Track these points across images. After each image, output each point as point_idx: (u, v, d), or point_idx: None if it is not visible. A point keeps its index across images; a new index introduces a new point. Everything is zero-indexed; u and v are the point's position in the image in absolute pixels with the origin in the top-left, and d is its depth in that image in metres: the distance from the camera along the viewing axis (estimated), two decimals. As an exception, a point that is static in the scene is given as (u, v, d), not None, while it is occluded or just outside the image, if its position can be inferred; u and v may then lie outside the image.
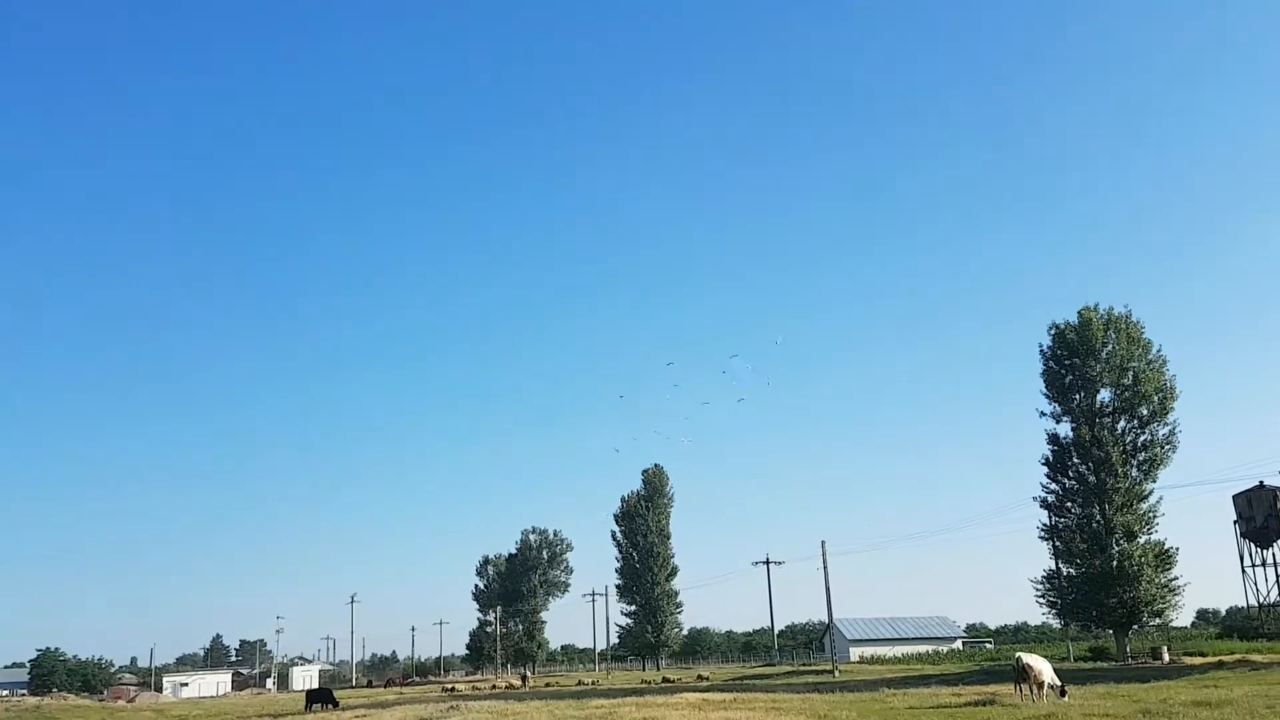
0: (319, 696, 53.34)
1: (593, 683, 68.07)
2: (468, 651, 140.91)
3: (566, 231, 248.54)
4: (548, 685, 67.07)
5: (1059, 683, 28.24)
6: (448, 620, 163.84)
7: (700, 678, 65.53)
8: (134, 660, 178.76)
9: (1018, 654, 31.37)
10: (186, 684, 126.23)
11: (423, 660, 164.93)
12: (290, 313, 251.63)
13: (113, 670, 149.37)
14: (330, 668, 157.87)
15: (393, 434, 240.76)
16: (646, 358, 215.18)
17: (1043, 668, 28.31)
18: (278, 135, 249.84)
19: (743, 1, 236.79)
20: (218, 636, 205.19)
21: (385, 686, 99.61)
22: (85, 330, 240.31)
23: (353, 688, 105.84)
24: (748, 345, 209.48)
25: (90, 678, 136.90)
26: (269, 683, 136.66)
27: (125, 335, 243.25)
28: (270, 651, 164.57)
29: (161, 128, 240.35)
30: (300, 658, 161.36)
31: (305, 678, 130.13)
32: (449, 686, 76.80)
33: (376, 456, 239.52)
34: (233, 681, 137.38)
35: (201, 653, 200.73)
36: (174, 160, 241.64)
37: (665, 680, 62.31)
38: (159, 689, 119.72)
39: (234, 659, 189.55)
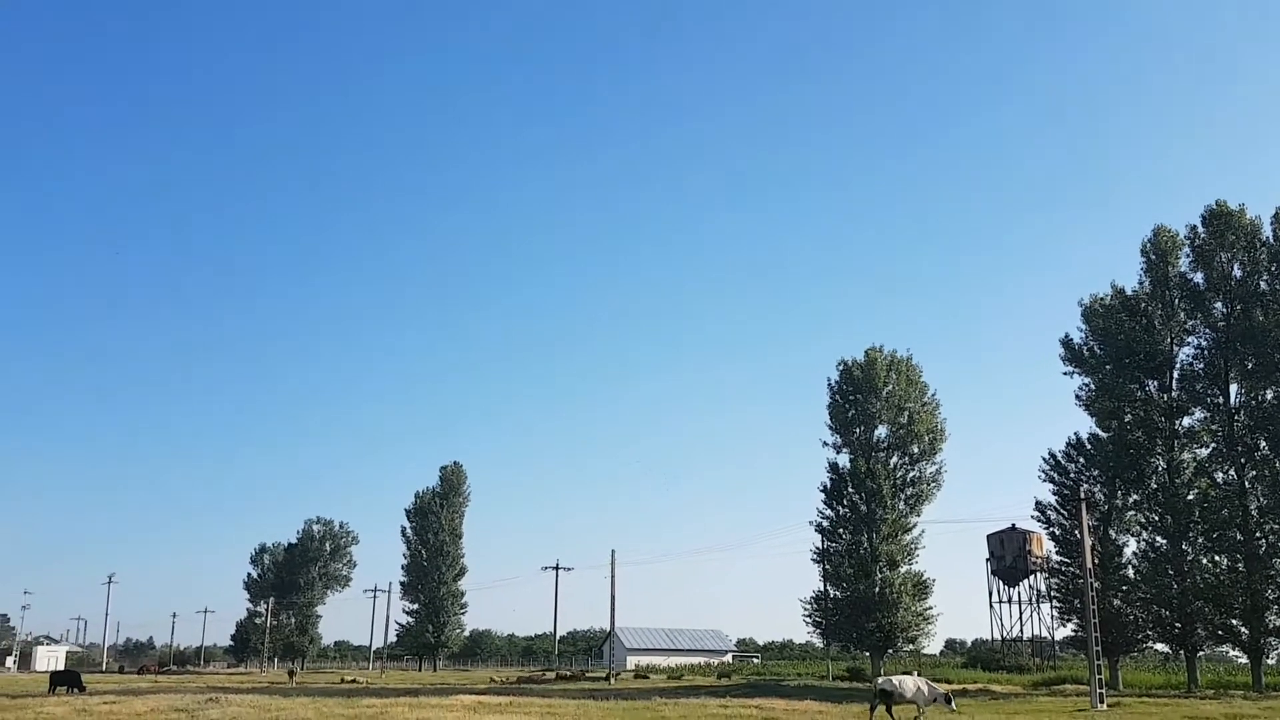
0: (64, 679, 49.92)
1: (366, 682, 66.56)
2: (233, 643, 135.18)
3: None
4: (314, 683, 65.11)
5: (941, 694, 27.29)
6: (214, 609, 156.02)
7: (493, 679, 65.03)
8: None
9: (879, 678, 31.64)
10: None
11: (183, 649, 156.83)
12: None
13: None
14: (79, 650, 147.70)
15: (171, 413, 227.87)
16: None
17: (906, 687, 26.79)
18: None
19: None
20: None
21: (139, 673, 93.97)
22: None
23: (103, 673, 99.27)
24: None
25: None
26: (9, 662, 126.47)
27: None
28: (13, 628, 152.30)
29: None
30: (46, 637, 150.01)
31: (51, 658, 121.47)
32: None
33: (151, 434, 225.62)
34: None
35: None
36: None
37: (443, 682, 61.63)
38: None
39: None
